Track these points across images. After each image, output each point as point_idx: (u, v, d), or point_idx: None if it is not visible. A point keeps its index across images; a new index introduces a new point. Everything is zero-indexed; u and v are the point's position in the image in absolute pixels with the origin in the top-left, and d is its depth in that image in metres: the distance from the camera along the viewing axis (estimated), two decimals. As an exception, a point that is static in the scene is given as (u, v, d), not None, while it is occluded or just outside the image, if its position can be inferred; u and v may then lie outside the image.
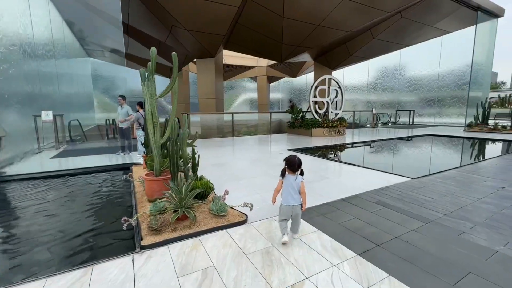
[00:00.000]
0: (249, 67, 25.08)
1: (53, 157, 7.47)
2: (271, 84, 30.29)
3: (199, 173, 5.39)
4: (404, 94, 20.73)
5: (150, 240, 2.51)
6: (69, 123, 10.34)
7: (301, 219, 2.90)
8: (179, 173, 3.33)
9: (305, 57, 17.03)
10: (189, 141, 4.34)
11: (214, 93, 14.15)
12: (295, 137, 11.78)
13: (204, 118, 12.49)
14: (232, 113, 12.42)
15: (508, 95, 17.88)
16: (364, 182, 4.59)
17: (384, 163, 6.66)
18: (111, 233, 2.94)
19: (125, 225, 2.55)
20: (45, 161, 6.96)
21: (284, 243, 2.47)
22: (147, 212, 2.95)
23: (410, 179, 4.73)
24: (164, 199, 2.84)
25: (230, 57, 23.28)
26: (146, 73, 3.31)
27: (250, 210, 3.04)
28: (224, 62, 23.21)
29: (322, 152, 8.48)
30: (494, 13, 14.15)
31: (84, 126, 16.01)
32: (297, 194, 2.53)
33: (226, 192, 3.37)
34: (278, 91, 32.79)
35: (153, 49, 3.19)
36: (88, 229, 3.07)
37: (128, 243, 2.69)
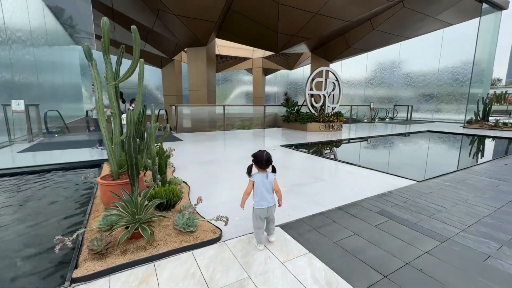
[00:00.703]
0: (245, 59, 24.25)
1: (22, 151, 6.76)
2: (267, 77, 29.51)
3: (181, 172, 4.84)
4: (402, 90, 20.20)
5: (87, 269, 1.90)
6: (45, 114, 9.56)
7: (289, 236, 2.43)
8: (147, 175, 2.71)
9: (302, 48, 16.32)
10: (176, 132, 3.70)
11: (205, 84, 13.42)
12: (289, 131, 11.18)
13: (193, 111, 11.79)
14: (224, 106, 11.75)
15: (504, 92, 17.52)
16: (364, 185, 4.03)
17: (384, 162, 6.11)
18: (45, 256, 2.31)
19: (58, 247, 1.94)
20: (10, 156, 6.26)
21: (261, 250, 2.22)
22: (95, 227, 2.34)
23: (415, 182, 4.18)
24: (114, 212, 2.23)
25: (225, 47, 22.42)
26: (93, 51, 2.64)
27: (225, 225, 2.44)
28: (218, 53, 22.34)
29: (317, 148, 7.91)
30: (499, 5, 13.55)
31: (71, 117, 15.18)
32: (271, 193, 2.26)
33: (200, 200, 2.76)
34: (275, 84, 32.03)
35: (105, 20, 2.52)
36: (15, 249, 2.43)
37: (63, 271, 2.08)
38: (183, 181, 4.07)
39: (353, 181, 4.24)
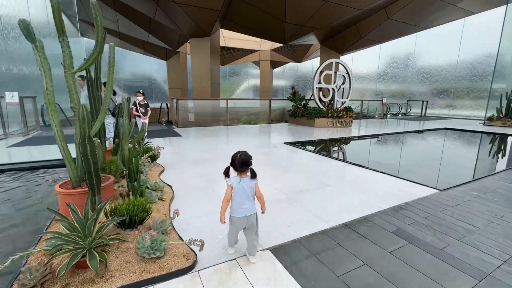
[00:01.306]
0: (252, 51, 23.53)
1: (12, 145, 6.46)
2: (275, 71, 28.71)
3: (170, 172, 4.35)
4: (416, 84, 19.07)
5: (8, 314, 1.45)
6: (42, 106, 9.28)
7: (281, 266, 1.94)
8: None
9: (311, 39, 15.51)
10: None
11: (209, 77, 12.91)
12: (296, 127, 10.58)
13: (195, 104, 11.32)
14: (227, 99, 11.23)
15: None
16: (375, 193, 3.46)
17: (398, 164, 5.50)
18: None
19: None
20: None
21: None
22: (43, 248, 1.90)
23: (436, 191, 3.58)
24: (55, 235, 1.76)
25: (232, 39, 21.77)
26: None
27: (200, 250, 1.95)
28: (224, 45, 21.74)
29: (324, 146, 7.33)
30: (529, -9, 12.37)
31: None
32: (251, 200, 1.98)
33: (176, 213, 2.29)
34: (283, 78, 31.14)
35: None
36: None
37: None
38: (168, 185, 3.61)
39: (363, 188, 3.67)
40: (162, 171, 4.37)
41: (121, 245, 1.97)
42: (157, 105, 16.24)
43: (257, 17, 12.07)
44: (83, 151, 1.98)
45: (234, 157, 1.94)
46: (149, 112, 6.80)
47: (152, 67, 24.14)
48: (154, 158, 4.60)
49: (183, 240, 2.19)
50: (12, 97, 7.74)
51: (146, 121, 6.64)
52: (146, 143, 5.17)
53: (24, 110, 8.05)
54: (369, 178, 4.12)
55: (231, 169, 1.97)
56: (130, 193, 2.51)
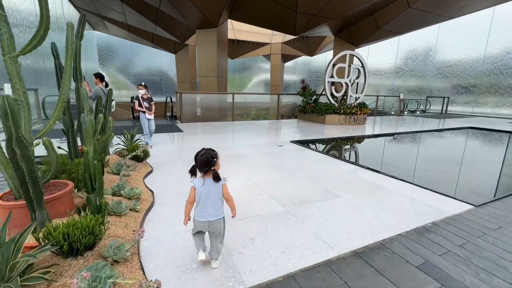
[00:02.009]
0: (263, 44, 22.82)
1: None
2: (287, 65, 27.91)
3: (158, 174, 3.76)
4: (436, 79, 17.78)
5: None
6: (43, 99, 9.07)
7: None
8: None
9: (324, 30, 14.65)
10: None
11: (215, 70, 12.40)
12: (305, 124, 9.94)
13: (200, 99, 10.86)
14: (233, 94, 10.70)
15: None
16: (395, 208, 2.86)
17: (419, 170, 4.82)
18: None
19: None
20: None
21: (201, 262, 1.83)
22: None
23: (471, 206, 2.94)
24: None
25: (242, 32, 21.15)
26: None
27: (155, 297, 1.44)
28: (234, 38, 21.14)
29: (334, 146, 6.70)
30: None
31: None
32: (218, 204, 1.80)
33: (140, 235, 1.81)
34: (294, 72, 30.24)
35: None
36: None
37: None
38: (150, 190, 3.15)
39: (378, 200, 3.08)
40: (150, 172, 3.92)
41: (55, 283, 1.50)
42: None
43: (266, 6, 11.39)
44: (11, 156, 1.52)
45: (195, 157, 1.75)
46: (154, 107, 5.90)
47: (162, 61, 23.83)
48: (143, 157, 4.16)
49: (143, 272, 1.71)
50: (10, 89, 7.51)
51: (152, 117, 5.78)
52: (136, 140, 4.75)
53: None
54: (385, 188, 3.50)
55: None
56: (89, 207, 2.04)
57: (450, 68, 16.96)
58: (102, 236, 1.77)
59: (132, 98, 12.00)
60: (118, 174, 3.36)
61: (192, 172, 1.75)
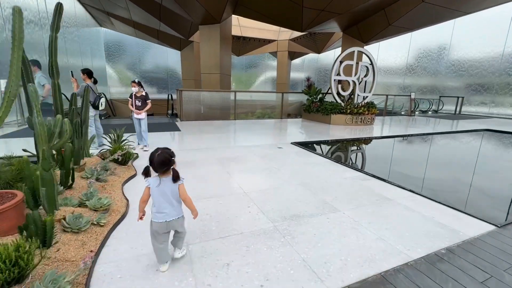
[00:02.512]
0: (269, 41, 22.34)
1: (2, 136, 6.04)
2: (294, 62, 27.33)
3: (141, 179, 3.27)
4: (450, 79, 16.89)
5: None
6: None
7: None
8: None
9: (332, 26, 14.09)
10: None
11: (218, 67, 12.06)
12: (310, 124, 9.51)
13: (201, 97, 10.56)
14: (235, 92, 10.35)
15: None
16: (402, 228, 2.45)
17: (431, 179, 4.37)
18: None
19: None
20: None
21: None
22: None
23: (493, 227, 2.50)
24: None
25: (248, 28, 20.73)
26: None
27: None
28: (241, 34, 20.75)
29: (339, 149, 6.27)
30: None
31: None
32: (173, 204, 1.73)
33: (87, 261, 1.49)
34: (302, 70, 29.59)
35: None
36: None
37: None
38: (126, 199, 2.83)
39: (383, 217, 2.67)
40: (133, 176, 3.62)
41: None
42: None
43: (271, 0, 10.95)
44: None
45: (152, 156, 1.71)
46: (149, 106, 5.42)
47: (169, 58, 23.63)
48: (126, 160, 3.87)
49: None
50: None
51: (142, 116, 5.32)
52: (124, 141, 4.46)
53: (20, 99, 7.68)
54: (392, 200, 3.08)
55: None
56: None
57: (465, 66, 16.09)
58: (31, 267, 1.44)
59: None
60: (96, 179, 3.07)
61: (146, 173, 1.70)
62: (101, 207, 2.40)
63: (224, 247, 2.11)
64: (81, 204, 2.49)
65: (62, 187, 2.68)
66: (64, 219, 2.08)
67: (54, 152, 2.94)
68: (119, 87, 21.73)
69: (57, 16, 2.91)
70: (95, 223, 2.21)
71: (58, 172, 2.74)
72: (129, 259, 1.92)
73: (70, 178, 2.81)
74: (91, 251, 1.95)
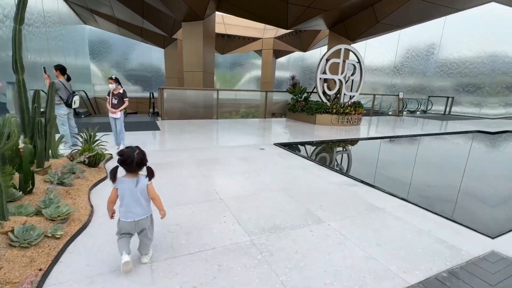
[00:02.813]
0: (254, 39, 21.98)
1: None
2: (279, 61, 27.10)
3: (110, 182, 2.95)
4: (439, 79, 16.78)
5: None
6: (34, 92, 8.17)
7: None
8: None
9: (318, 24, 13.85)
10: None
11: (201, 65, 11.59)
12: (294, 124, 9.19)
13: (182, 95, 10.05)
14: (217, 90, 9.90)
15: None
16: (395, 243, 2.12)
17: (423, 184, 4.12)
18: None
19: None
20: None
21: (126, 265, 1.58)
22: None
23: (488, 238, 2.21)
24: None
25: (233, 26, 20.31)
26: None
27: None
28: (225, 32, 20.27)
29: (324, 150, 5.97)
30: None
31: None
32: (142, 204, 1.70)
33: (28, 284, 1.06)
34: (287, 69, 29.33)
35: None
36: None
37: None
38: (91, 205, 2.42)
39: (373, 230, 2.33)
40: (102, 179, 3.18)
41: None
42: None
43: (256, -4, 10.58)
44: None
45: (127, 155, 1.64)
46: (126, 104, 4.97)
47: (153, 56, 22.85)
48: (96, 161, 3.44)
49: None
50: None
51: (118, 116, 4.84)
52: (97, 141, 3.99)
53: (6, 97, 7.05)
54: (383, 210, 2.76)
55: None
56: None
57: (455, 66, 15.86)
58: None
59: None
60: (60, 183, 2.64)
61: (114, 177, 1.66)
62: (59, 216, 2.00)
63: (193, 266, 1.74)
64: (38, 213, 2.07)
65: (21, 192, 2.35)
66: (12, 231, 1.66)
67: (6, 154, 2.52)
68: (104, 85, 20.80)
69: (21, 7, 2.70)
70: (50, 235, 1.81)
71: (17, 175, 2.45)
72: (81, 281, 1.50)
73: (30, 182, 2.48)
74: (40, 269, 1.56)
